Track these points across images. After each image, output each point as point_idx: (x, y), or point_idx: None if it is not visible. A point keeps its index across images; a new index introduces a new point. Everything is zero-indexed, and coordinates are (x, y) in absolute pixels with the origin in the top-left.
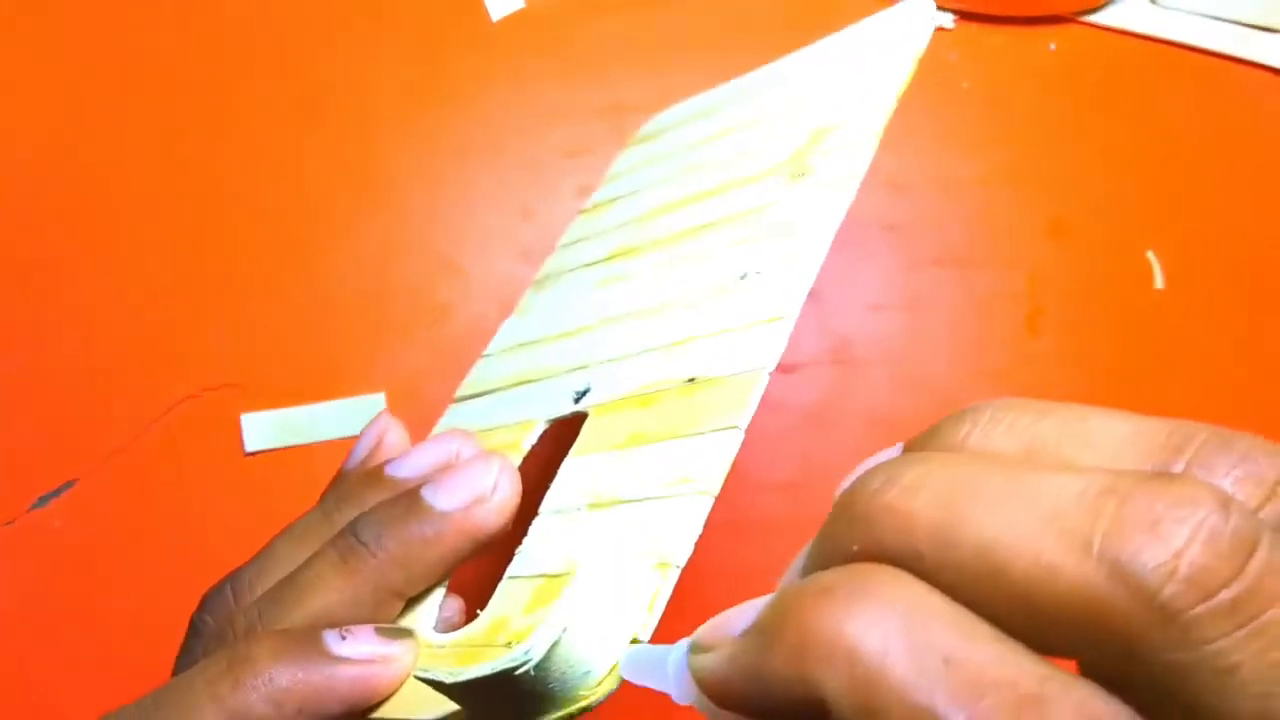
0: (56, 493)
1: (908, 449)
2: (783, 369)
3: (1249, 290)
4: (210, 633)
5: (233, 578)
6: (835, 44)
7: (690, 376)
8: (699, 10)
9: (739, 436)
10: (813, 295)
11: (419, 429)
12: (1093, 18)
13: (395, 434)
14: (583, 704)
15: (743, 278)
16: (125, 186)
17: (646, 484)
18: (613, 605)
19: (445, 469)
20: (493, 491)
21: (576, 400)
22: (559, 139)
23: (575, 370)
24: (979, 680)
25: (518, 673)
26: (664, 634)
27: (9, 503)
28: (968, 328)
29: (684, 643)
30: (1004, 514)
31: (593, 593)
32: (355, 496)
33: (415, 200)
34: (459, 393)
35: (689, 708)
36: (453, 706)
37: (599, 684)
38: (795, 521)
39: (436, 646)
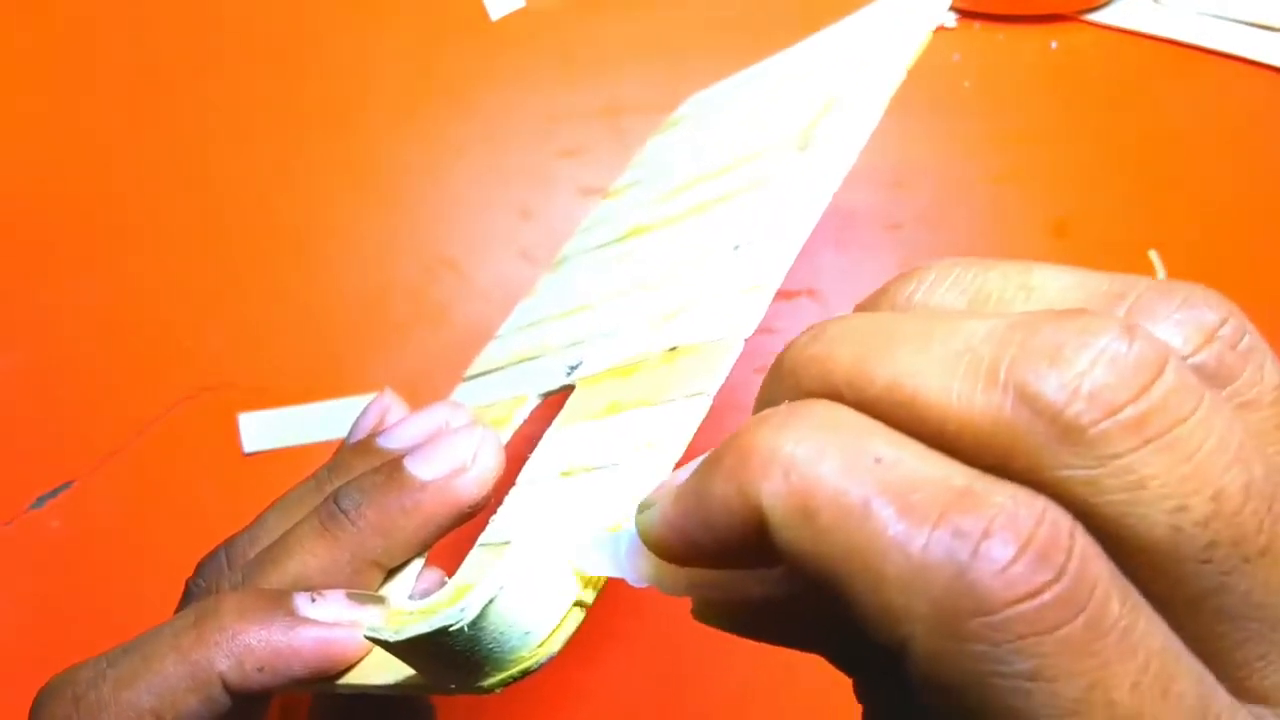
0: (54, 493)
1: (857, 310)
2: None
3: (1250, 290)
4: (200, 595)
5: (227, 544)
6: (855, 21)
7: (672, 346)
8: (698, 10)
9: (706, 403)
10: (813, 295)
11: None
12: (1094, 16)
13: (397, 412)
14: (523, 666)
15: (736, 249)
16: (123, 186)
17: (613, 451)
18: (558, 568)
19: (431, 439)
20: (473, 462)
21: (568, 374)
22: (558, 139)
23: (571, 346)
24: (911, 475)
25: (452, 630)
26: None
27: (7, 503)
28: None
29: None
30: (918, 353)
31: (536, 554)
32: (346, 467)
33: (414, 200)
34: (467, 373)
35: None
36: (410, 671)
37: (540, 646)
38: None
39: (406, 614)
